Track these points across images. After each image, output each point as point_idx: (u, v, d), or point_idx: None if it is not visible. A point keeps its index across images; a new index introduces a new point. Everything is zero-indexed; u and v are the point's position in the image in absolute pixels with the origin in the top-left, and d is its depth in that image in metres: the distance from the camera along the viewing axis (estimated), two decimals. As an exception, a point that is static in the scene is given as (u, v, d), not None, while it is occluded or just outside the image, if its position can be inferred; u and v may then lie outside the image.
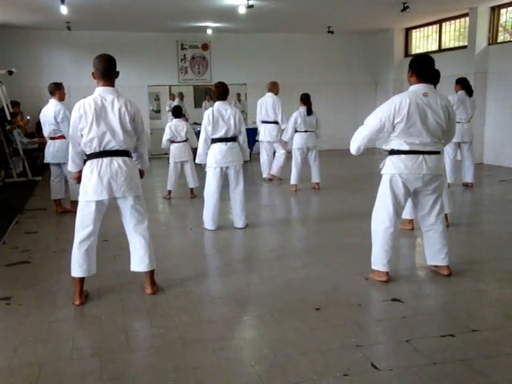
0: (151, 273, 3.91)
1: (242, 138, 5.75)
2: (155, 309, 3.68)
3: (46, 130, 6.58)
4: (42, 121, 6.71)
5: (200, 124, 9.81)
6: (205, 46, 12.96)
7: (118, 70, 3.73)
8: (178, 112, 7.86)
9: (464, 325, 3.32)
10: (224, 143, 5.60)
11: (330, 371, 2.78)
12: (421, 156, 3.89)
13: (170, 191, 7.73)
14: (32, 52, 11.71)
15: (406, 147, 3.88)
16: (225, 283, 4.27)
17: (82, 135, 3.63)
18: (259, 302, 3.79)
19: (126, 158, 3.71)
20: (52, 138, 6.54)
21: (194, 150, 7.78)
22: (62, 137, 6.46)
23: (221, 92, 5.64)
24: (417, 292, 3.94)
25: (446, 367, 2.81)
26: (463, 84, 7.69)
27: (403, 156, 3.90)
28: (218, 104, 5.62)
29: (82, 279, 3.75)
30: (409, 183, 3.95)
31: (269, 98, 9.00)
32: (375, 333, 3.31)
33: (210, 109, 5.63)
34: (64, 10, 8.77)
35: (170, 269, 4.49)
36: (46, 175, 9.99)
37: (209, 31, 12.12)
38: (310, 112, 8.08)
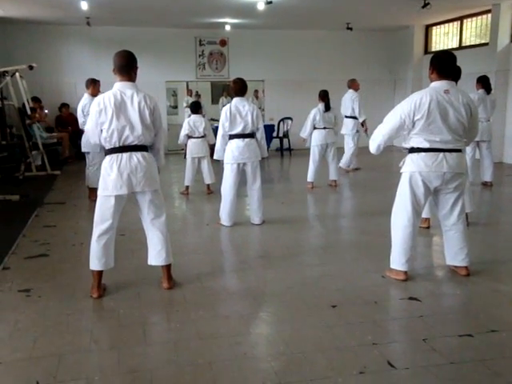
0: (168, 267, 3.94)
1: (260, 134, 5.74)
2: (172, 303, 3.71)
3: (80, 121, 7.13)
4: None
5: (217, 120, 9.85)
6: (223, 42, 12.97)
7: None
8: (196, 107, 7.88)
9: (482, 325, 3.29)
10: (241, 139, 5.60)
11: (347, 369, 2.77)
12: (441, 154, 3.84)
13: (187, 187, 7.76)
14: (52, 47, 11.83)
15: (426, 145, 3.84)
16: (241, 279, 4.29)
17: (101, 130, 3.65)
18: (275, 299, 3.79)
19: (144, 153, 3.73)
20: None
21: (212, 146, 7.82)
22: None
23: (239, 88, 5.64)
24: (434, 291, 3.91)
25: (464, 367, 2.79)
26: (483, 82, 7.61)
27: (423, 154, 3.86)
28: (235, 100, 5.62)
29: (100, 272, 3.79)
30: (429, 181, 3.91)
31: (348, 94, 9.68)
32: (392, 331, 3.30)
33: (228, 105, 5.64)
34: (84, 5, 8.85)
35: (187, 264, 4.52)
36: (64, 169, 10.12)
37: (227, 27, 12.11)
38: (328, 108, 8.05)
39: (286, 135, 12.73)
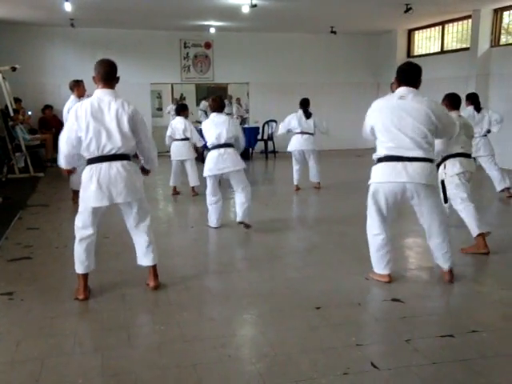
0: (155, 266, 3.95)
1: (238, 144, 5.75)
2: (156, 306, 3.70)
3: (65, 123, 6.83)
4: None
5: (200, 122, 9.86)
6: (208, 45, 12.96)
7: (121, 67, 3.78)
8: (179, 110, 7.93)
9: (463, 325, 3.34)
10: (216, 150, 5.57)
11: (330, 370, 2.80)
12: (400, 163, 3.75)
13: (174, 187, 7.81)
14: (35, 48, 11.70)
15: (385, 152, 3.82)
16: (226, 281, 4.29)
17: (79, 137, 3.60)
18: (260, 301, 3.80)
19: (124, 162, 3.67)
20: None
21: (197, 149, 7.83)
22: None
23: (218, 106, 5.77)
24: (417, 292, 3.95)
25: (445, 367, 2.83)
26: (472, 99, 7.51)
27: (383, 163, 3.85)
28: (212, 114, 5.73)
29: (85, 275, 3.78)
30: (390, 192, 3.86)
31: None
32: (375, 332, 3.33)
33: (206, 120, 5.80)
34: (68, 6, 8.79)
35: (172, 266, 4.51)
36: (47, 172, 10.02)
37: (212, 30, 12.11)
38: (307, 116, 8.06)
39: (270, 138, 12.75)
